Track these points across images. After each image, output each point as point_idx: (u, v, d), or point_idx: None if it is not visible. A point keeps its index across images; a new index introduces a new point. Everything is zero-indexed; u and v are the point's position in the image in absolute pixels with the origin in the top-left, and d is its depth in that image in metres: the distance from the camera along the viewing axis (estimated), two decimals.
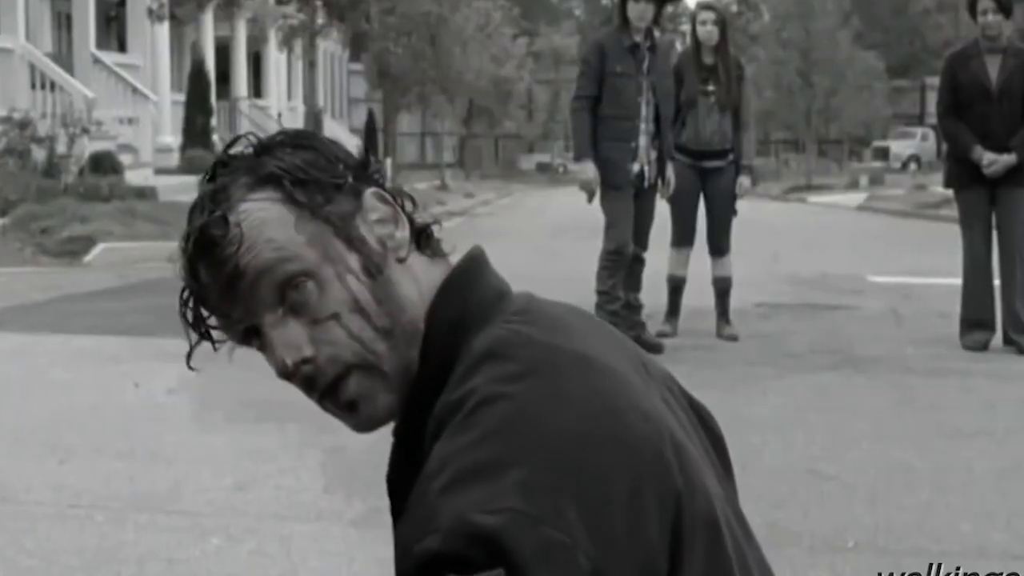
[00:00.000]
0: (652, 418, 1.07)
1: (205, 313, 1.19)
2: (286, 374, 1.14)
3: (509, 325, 1.12)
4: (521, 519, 0.97)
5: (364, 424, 1.18)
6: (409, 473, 1.15)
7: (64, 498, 4.12)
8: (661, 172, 7.03)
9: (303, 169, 1.16)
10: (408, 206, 1.21)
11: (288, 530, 3.79)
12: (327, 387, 1.15)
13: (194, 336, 1.21)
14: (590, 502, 0.99)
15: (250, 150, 1.19)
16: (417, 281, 1.18)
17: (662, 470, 1.04)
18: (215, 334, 1.21)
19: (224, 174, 1.18)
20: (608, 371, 1.09)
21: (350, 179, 1.18)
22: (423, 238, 1.21)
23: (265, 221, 1.13)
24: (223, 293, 1.14)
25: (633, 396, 1.08)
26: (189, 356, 1.21)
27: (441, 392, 1.10)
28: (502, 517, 0.97)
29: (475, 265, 1.20)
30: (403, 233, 1.19)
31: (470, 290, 1.17)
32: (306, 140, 1.19)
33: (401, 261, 1.17)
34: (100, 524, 3.87)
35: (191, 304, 1.18)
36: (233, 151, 1.19)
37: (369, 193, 1.19)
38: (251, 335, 1.16)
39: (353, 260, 1.15)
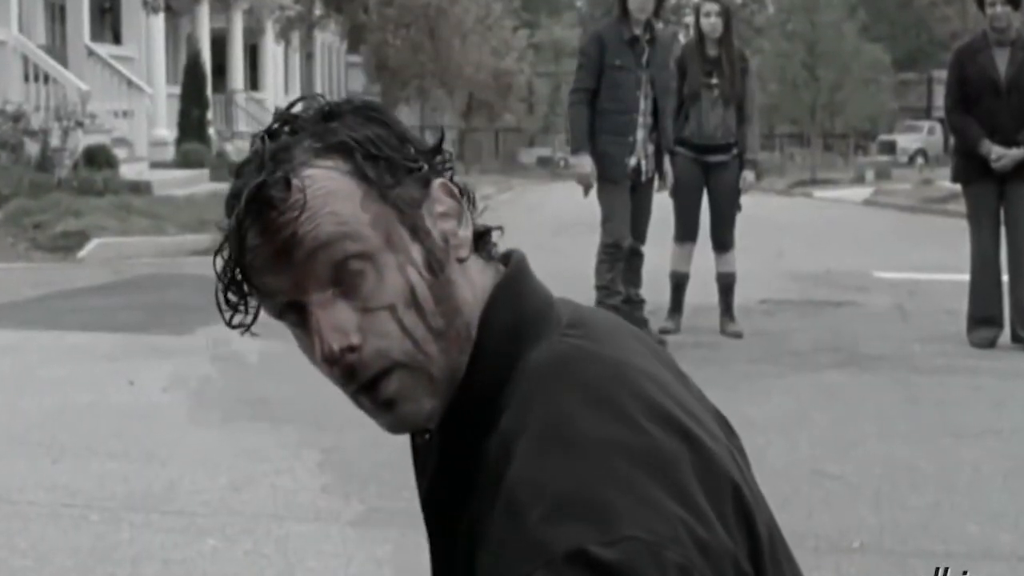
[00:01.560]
0: (718, 439, 1.09)
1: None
2: (330, 359, 1.06)
3: (568, 339, 1.10)
4: (641, 547, 0.95)
5: (399, 425, 1.12)
6: (454, 489, 1.11)
7: (58, 498, 4.13)
8: (659, 166, 7.04)
9: (375, 144, 1.09)
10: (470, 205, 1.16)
11: (285, 530, 3.80)
12: (368, 382, 1.08)
13: (231, 303, 1.12)
14: (694, 521, 0.98)
15: (313, 112, 1.12)
16: (472, 284, 1.12)
17: (736, 489, 1.05)
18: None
19: (286, 133, 1.10)
20: (669, 390, 1.10)
21: (425, 165, 1.12)
22: (481, 241, 1.16)
23: (331, 192, 1.06)
24: (272, 261, 1.06)
25: (696, 416, 1.09)
26: (230, 321, 1.13)
27: (490, 402, 1.07)
28: (622, 547, 0.94)
29: (523, 271, 1.16)
30: (467, 232, 1.13)
31: (523, 297, 1.13)
32: (377, 113, 1.12)
33: (461, 261, 1.12)
34: (94, 524, 3.87)
35: (231, 268, 1.09)
36: (296, 110, 1.12)
37: (438, 183, 1.13)
38: (289, 310, 1.09)
39: (416, 252, 1.09)
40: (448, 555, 1.13)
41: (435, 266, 1.09)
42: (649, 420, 1.03)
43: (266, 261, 1.06)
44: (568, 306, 1.16)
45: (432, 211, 1.11)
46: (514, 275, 1.15)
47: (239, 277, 1.09)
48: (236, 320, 1.12)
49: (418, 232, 1.09)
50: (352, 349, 1.06)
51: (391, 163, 1.09)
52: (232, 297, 1.11)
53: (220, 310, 1.12)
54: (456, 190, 1.14)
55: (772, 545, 1.09)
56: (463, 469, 1.09)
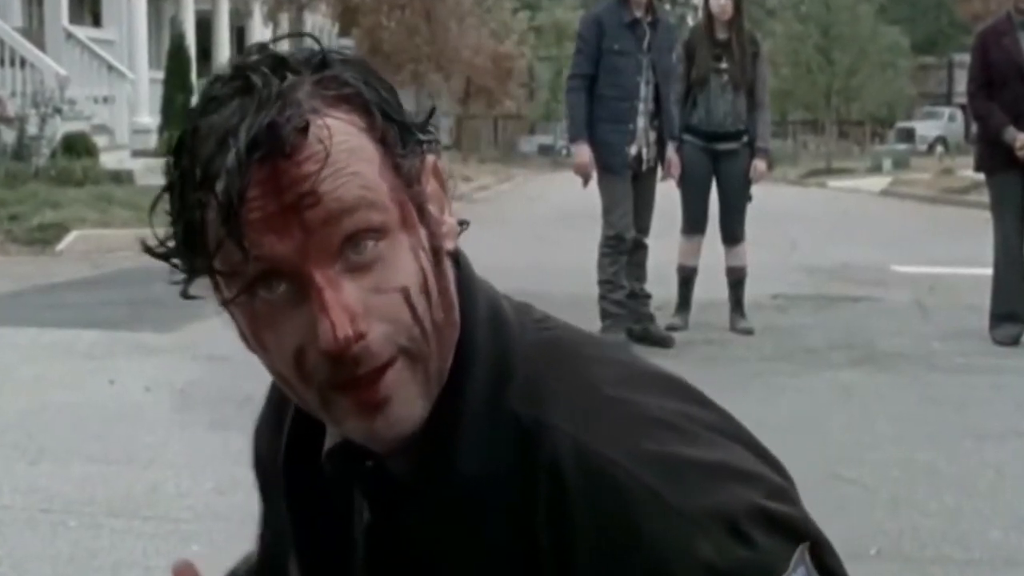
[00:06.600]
0: None
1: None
2: (342, 347, 0.92)
3: (548, 331, 1.06)
4: (790, 493, 0.99)
5: (384, 431, 0.97)
6: (437, 521, 1.00)
7: (35, 502, 4.13)
8: (660, 154, 7.03)
9: (389, 103, 0.98)
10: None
11: None
12: (368, 374, 0.94)
13: (189, 264, 0.97)
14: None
15: (306, 55, 0.97)
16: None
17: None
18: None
19: (279, 72, 0.94)
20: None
21: (436, 135, 1.02)
22: None
23: (354, 150, 0.93)
24: (276, 219, 0.91)
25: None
26: (187, 286, 0.98)
27: (490, 404, 0.99)
28: (783, 496, 0.97)
29: (470, 265, 1.07)
30: (454, 220, 1.03)
31: (483, 291, 1.05)
32: (373, 70, 0.99)
33: (449, 255, 1.02)
34: (73, 530, 3.87)
35: (221, 220, 0.91)
36: (282, 50, 0.97)
37: (431, 160, 1.02)
38: (267, 280, 0.93)
39: (423, 235, 0.98)
40: None
41: (437, 253, 0.99)
42: (673, 391, 1.03)
43: (269, 218, 0.91)
44: (508, 300, 1.09)
45: (426, 191, 1.00)
46: (470, 268, 1.06)
47: (224, 231, 0.91)
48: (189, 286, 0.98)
49: (423, 212, 0.99)
50: (361, 336, 0.93)
51: (405, 128, 0.98)
52: (184, 256, 0.96)
53: (187, 272, 0.97)
54: (443, 172, 1.04)
55: None
56: (442, 496, 0.99)
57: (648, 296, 7.17)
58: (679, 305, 7.48)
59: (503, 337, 1.02)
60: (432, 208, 1.00)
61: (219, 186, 0.90)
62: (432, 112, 1.05)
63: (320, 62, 0.96)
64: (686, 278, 7.47)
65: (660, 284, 7.45)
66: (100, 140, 16.53)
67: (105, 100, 18.18)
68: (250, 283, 0.93)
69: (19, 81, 16.02)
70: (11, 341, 7.04)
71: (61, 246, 11.76)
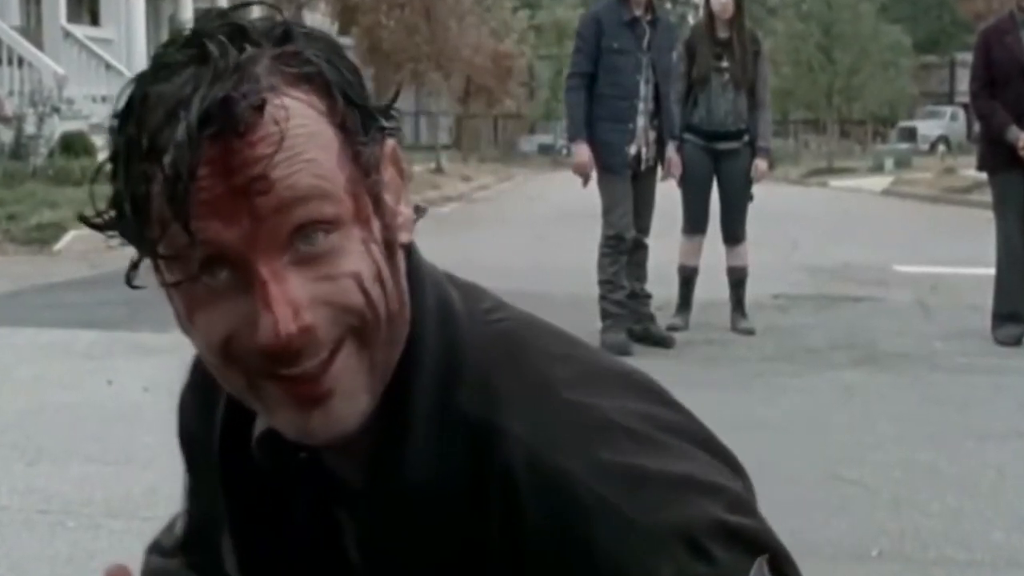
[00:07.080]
0: None
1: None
2: (278, 344, 0.88)
3: (504, 323, 1.01)
4: (750, 502, 0.95)
5: (320, 429, 0.92)
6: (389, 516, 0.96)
7: (33, 503, 4.13)
8: (660, 154, 7.02)
9: (352, 85, 0.92)
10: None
11: None
12: (319, 365, 0.90)
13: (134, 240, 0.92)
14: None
15: (267, 25, 0.92)
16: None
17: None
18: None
19: (237, 41, 0.89)
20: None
21: (399, 121, 0.97)
22: None
23: (312, 135, 0.88)
24: (225, 203, 0.86)
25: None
26: (134, 274, 0.96)
27: (440, 398, 0.95)
28: (743, 508, 0.92)
29: (418, 252, 1.02)
30: (410, 211, 0.98)
31: (431, 277, 1.01)
32: (338, 47, 0.94)
33: (402, 247, 0.97)
34: (72, 531, 3.87)
35: (162, 195, 0.86)
36: (242, 18, 0.92)
37: (391, 146, 0.97)
38: (210, 265, 0.89)
39: (377, 228, 0.93)
40: None
41: (391, 247, 0.94)
42: (632, 386, 0.99)
43: (216, 200, 0.86)
44: (456, 285, 1.04)
45: (383, 180, 0.95)
46: (419, 257, 1.01)
47: (170, 212, 0.86)
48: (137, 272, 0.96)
49: (380, 203, 0.93)
50: (306, 329, 0.88)
51: (367, 114, 0.93)
52: (124, 231, 0.91)
53: (147, 251, 0.92)
54: (401, 157, 0.99)
55: None
56: (387, 497, 0.96)
57: (648, 296, 7.17)
58: (680, 305, 7.48)
59: (451, 330, 0.98)
60: (388, 198, 0.95)
61: (167, 159, 0.85)
62: (396, 96, 0.99)
63: (282, 34, 0.91)
64: (687, 278, 7.47)
65: (661, 284, 7.45)
66: (98, 139, 16.51)
67: (103, 99, 18.16)
68: (196, 271, 0.89)
69: (17, 80, 16.03)
70: (9, 341, 7.04)
71: (59, 246, 11.75)
